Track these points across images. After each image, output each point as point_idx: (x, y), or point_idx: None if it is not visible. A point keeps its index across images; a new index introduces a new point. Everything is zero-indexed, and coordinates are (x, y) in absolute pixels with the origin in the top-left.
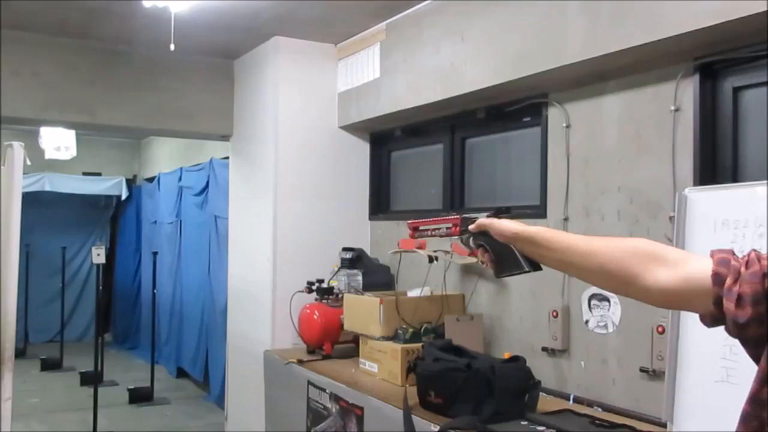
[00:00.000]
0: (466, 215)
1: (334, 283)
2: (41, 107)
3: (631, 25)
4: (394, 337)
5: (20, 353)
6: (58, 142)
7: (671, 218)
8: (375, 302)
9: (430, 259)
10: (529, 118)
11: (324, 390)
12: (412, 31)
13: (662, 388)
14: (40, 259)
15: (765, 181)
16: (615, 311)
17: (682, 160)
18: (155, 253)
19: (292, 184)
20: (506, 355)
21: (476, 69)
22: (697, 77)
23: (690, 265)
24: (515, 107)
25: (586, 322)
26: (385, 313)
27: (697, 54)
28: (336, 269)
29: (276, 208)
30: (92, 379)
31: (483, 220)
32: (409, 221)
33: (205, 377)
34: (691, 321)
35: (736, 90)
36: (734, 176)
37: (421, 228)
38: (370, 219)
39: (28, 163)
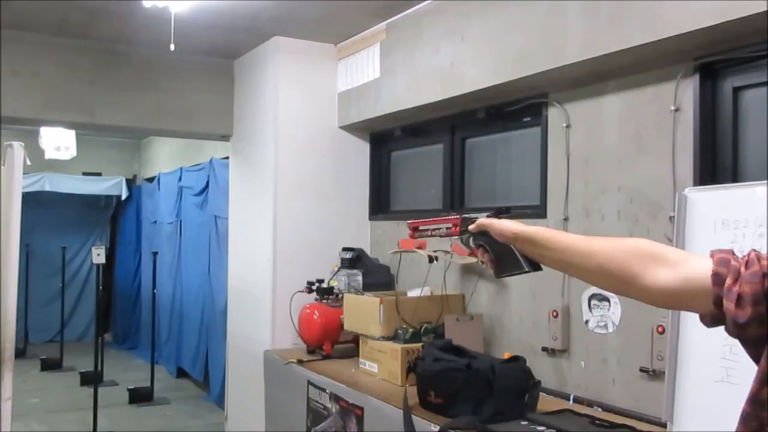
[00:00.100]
0: (466, 215)
1: (334, 283)
2: (41, 107)
3: (631, 25)
4: (394, 337)
5: (20, 353)
6: (58, 142)
7: (671, 218)
8: (375, 302)
9: (430, 259)
10: (529, 118)
11: (324, 390)
12: (412, 31)
13: (662, 388)
14: (40, 259)
15: (765, 181)
16: (615, 311)
17: (682, 160)
18: (155, 253)
19: (292, 184)
20: (506, 355)
21: (476, 69)
22: (697, 77)
23: (690, 265)
24: (515, 107)
25: (586, 322)
26: (385, 313)
27: (697, 54)
28: (336, 269)
29: (276, 208)
30: (92, 379)
31: (483, 220)
32: (409, 221)
33: (205, 377)
34: (691, 321)
35: (736, 90)
36: (734, 176)
37: (421, 228)
38: (370, 219)
39: (28, 163)
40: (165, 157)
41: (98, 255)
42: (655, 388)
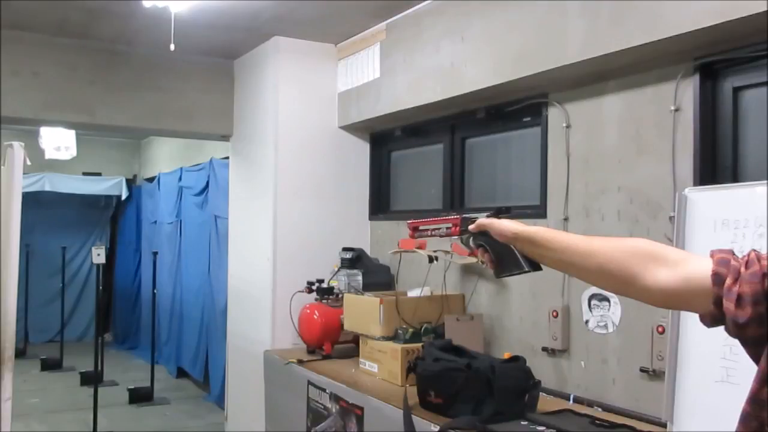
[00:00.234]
0: (466, 215)
1: (334, 283)
2: (41, 107)
3: (631, 25)
4: (394, 337)
5: (20, 353)
6: (58, 142)
7: (671, 218)
8: (375, 302)
9: (430, 259)
10: (529, 118)
11: (324, 390)
12: (412, 31)
13: (662, 388)
14: (40, 259)
15: (765, 181)
16: (615, 311)
17: (682, 160)
18: (155, 253)
19: (292, 184)
20: (506, 355)
21: (476, 69)
22: (697, 77)
23: (690, 265)
24: (515, 107)
25: (586, 322)
26: (385, 313)
27: (697, 54)
28: (336, 269)
29: (276, 208)
30: (92, 379)
31: (483, 220)
32: (409, 221)
33: (205, 377)
34: (691, 321)
35: (736, 90)
36: (734, 176)
37: (421, 228)
38: (370, 219)
39: (28, 163)
40: (165, 157)
41: (98, 255)
42: (655, 388)
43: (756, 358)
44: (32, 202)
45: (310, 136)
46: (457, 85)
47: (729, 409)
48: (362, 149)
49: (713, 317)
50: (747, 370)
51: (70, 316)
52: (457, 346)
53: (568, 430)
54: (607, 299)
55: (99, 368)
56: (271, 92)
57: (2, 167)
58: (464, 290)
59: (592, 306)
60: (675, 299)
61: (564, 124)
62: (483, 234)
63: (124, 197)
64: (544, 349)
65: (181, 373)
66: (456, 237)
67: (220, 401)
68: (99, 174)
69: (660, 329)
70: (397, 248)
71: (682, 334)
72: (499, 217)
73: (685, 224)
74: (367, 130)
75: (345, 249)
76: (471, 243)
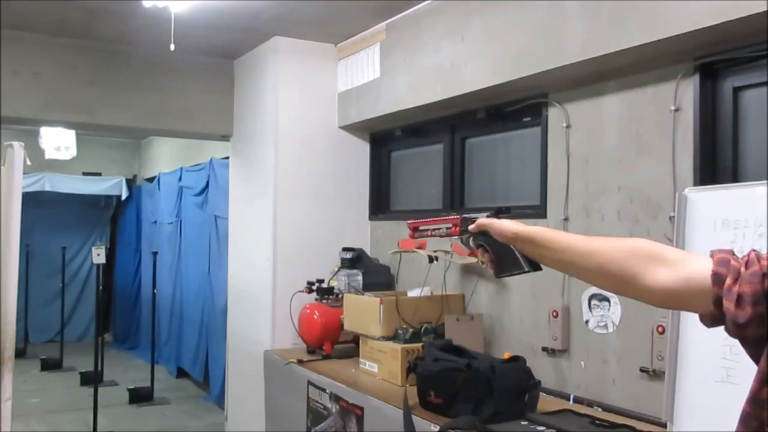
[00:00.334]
0: (466, 215)
1: (334, 283)
2: (41, 107)
3: (631, 25)
4: (394, 337)
5: (20, 353)
6: (58, 142)
7: (671, 218)
8: (375, 302)
9: (430, 259)
10: (529, 118)
11: (324, 390)
12: (412, 31)
13: (662, 388)
14: (40, 259)
15: (765, 181)
16: (615, 311)
17: (682, 160)
18: (155, 253)
19: (292, 184)
20: (506, 355)
21: (476, 69)
22: (697, 77)
23: (690, 265)
24: (515, 107)
25: (586, 322)
26: (385, 313)
27: (697, 54)
28: (336, 269)
29: (276, 208)
30: (92, 379)
31: (483, 220)
32: (409, 221)
33: (205, 377)
34: (691, 321)
35: (736, 90)
36: (734, 176)
37: (421, 228)
38: (370, 219)
39: (28, 163)
40: (165, 157)
41: (98, 255)
42: (655, 388)
43: (756, 358)
44: (32, 202)
45: (310, 136)
46: (457, 85)
47: (729, 409)
48: (362, 149)
49: (713, 317)
50: (747, 370)
51: (70, 316)
52: (457, 346)
53: (568, 430)
54: (607, 299)
55: (99, 368)
56: (271, 92)
57: (2, 167)
58: (464, 290)
59: (592, 306)
60: (675, 299)
61: (564, 124)
62: (483, 234)
63: (124, 197)
64: (544, 349)
65: (181, 373)
66: (456, 237)
67: (220, 401)
68: (99, 174)
69: (660, 329)
70: (397, 248)
71: (682, 334)
72: (499, 217)
73: (685, 224)
74: (367, 130)
75: (345, 249)
76: (471, 243)
